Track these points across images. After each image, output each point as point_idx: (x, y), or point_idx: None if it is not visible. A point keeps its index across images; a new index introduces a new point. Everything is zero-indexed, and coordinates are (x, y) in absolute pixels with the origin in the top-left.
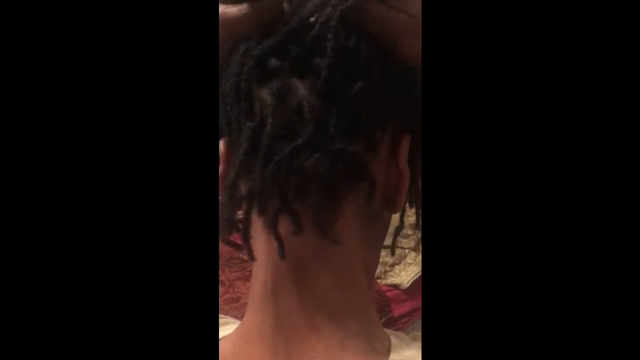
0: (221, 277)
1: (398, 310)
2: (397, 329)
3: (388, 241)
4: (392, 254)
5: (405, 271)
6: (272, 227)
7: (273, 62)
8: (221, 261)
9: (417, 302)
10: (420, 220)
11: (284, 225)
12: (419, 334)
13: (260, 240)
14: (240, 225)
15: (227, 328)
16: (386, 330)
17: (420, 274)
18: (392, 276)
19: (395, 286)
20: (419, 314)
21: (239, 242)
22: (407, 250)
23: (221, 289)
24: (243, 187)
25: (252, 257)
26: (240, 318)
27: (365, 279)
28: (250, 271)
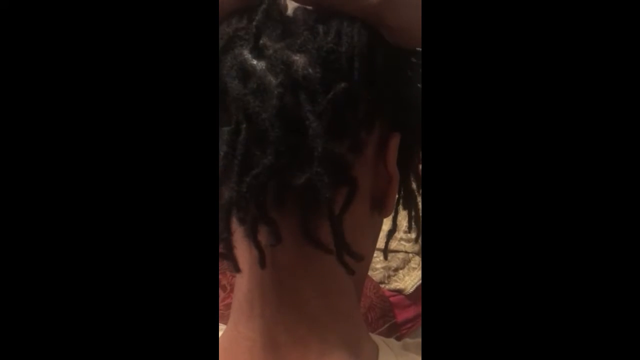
0: (222, 282)
1: (402, 316)
2: (401, 335)
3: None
4: (385, 257)
5: (409, 276)
6: (252, 237)
7: (249, 58)
8: (223, 265)
9: (421, 308)
10: (412, 223)
11: (264, 234)
12: (411, 341)
13: (242, 248)
14: (223, 235)
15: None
16: (381, 338)
17: None
18: (396, 281)
19: (399, 291)
20: None
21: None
22: (411, 255)
23: (222, 294)
24: (224, 194)
25: (236, 269)
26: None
27: (352, 285)
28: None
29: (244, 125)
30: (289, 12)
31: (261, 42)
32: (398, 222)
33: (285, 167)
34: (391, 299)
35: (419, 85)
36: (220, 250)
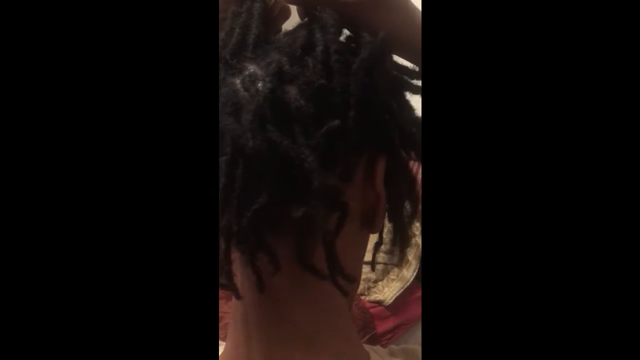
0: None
1: (382, 327)
2: (382, 346)
3: (368, 257)
4: (372, 269)
5: (388, 287)
6: (251, 265)
7: (240, 89)
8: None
9: (400, 318)
10: (398, 237)
11: (263, 260)
12: (397, 347)
13: (239, 275)
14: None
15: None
16: (369, 346)
17: (403, 289)
18: (376, 292)
19: (379, 302)
20: (402, 330)
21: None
22: (390, 267)
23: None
24: (223, 223)
25: (237, 296)
26: (223, 338)
27: (344, 302)
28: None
29: (240, 159)
30: (280, 34)
31: (251, 70)
32: (384, 235)
33: (283, 202)
34: (371, 310)
35: (412, 106)
36: (221, 281)
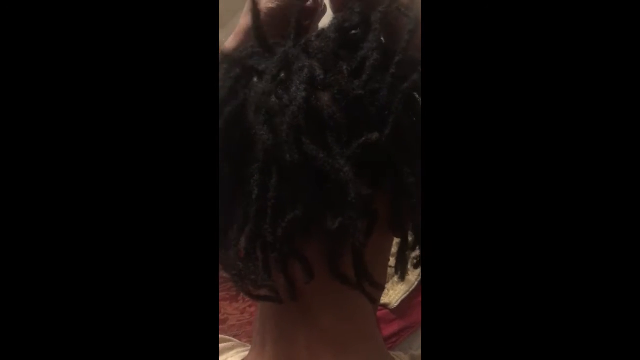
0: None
1: (387, 330)
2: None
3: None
4: (396, 273)
5: (393, 290)
6: (284, 271)
7: (272, 99)
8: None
9: (406, 322)
10: (418, 239)
11: (296, 268)
12: (417, 353)
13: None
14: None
15: (235, 353)
16: (394, 353)
17: (408, 292)
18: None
19: (384, 306)
20: (407, 334)
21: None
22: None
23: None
24: (257, 234)
25: (280, 301)
26: (235, 337)
27: (371, 308)
28: (236, 291)
29: (275, 169)
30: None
31: (282, 75)
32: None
33: (319, 214)
34: (377, 313)
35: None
36: (265, 293)
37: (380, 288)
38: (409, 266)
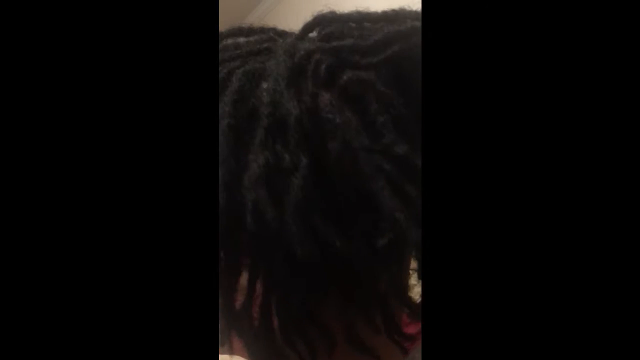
0: None
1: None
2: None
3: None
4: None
5: (411, 292)
6: (304, 340)
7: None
8: None
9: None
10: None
11: (314, 335)
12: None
13: None
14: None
15: None
16: None
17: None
18: None
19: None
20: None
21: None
22: (411, 271)
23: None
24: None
25: None
26: None
27: None
28: None
29: (287, 262)
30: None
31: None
32: None
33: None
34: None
35: None
36: None
37: (413, 340)
38: (411, 269)
